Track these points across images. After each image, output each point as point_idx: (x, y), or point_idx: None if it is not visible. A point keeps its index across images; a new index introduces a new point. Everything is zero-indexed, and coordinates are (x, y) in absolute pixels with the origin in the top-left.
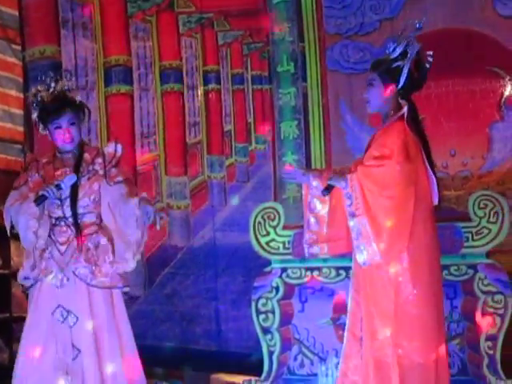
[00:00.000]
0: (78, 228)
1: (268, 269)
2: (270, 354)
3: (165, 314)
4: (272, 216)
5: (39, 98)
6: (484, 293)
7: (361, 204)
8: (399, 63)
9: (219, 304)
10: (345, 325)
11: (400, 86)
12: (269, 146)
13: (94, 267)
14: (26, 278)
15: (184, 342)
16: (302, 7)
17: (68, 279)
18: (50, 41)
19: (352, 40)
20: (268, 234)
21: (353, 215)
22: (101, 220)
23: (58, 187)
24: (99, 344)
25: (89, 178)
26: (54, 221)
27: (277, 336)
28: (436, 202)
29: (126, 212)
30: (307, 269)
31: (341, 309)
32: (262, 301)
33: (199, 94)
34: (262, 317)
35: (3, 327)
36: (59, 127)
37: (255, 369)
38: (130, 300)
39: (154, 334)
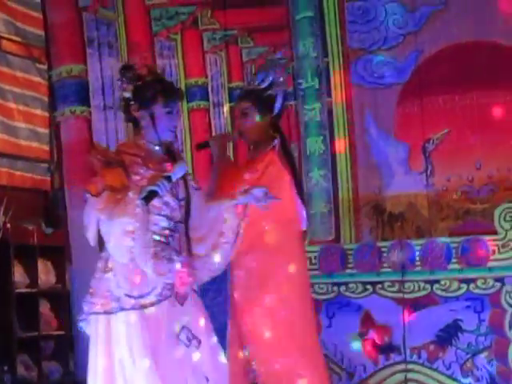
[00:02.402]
0: (188, 234)
1: None
2: None
3: None
4: None
5: (135, 73)
6: (511, 305)
7: None
8: (270, 92)
9: None
10: (373, 340)
11: (274, 113)
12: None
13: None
14: (142, 296)
15: None
16: (326, 22)
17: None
18: (76, 60)
19: (376, 54)
20: None
21: None
22: None
23: (169, 180)
24: None
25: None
26: (173, 224)
27: None
28: (304, 227)
29: (215, 215)
30: (334, 284)
31: (368, 323)
32: None
33: (225, 110)
34: None
35: (32, 346)
36: (171, 112)
37: None
38: None
39: None
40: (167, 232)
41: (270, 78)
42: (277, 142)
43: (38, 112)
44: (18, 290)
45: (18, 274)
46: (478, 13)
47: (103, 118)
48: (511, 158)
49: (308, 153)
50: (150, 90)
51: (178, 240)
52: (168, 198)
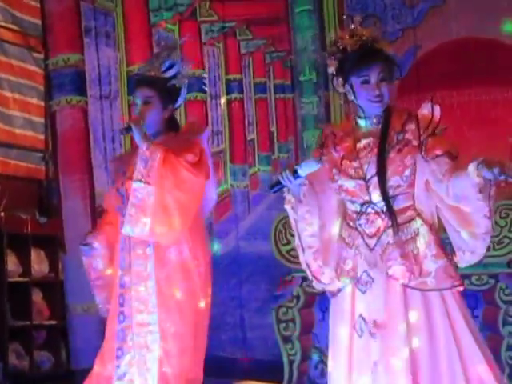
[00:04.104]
0: (394, 215)
1: (288, 278)
2: (291, 362)
3: None
4: None
5: (341, 46)
6: (505, 302)
7: (154, 177)
8: (175, 82)
9: (244, 312)
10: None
11: (177, 105)
12: (292, 154)
13: (413, 264)
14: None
15: (209, 349)
16: (324, 15)
17: (373, 281)
18: (73, 49)
19: None
20: (289, 242)
21: (141, 179)
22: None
23: (295, 174)
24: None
25: (399, 150)
26: (359, 207)
27: (297, 345)
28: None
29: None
30: None
31: None
32: (282, 310)
33: (222, 102)
34: (282, 326)
35: (23, 335)
36: (367, 81)
37: (279, 377)
38: None
39: None
40: (354, 216)
41: (176, 68)
42: (207, 133)
43: (34, 101)
44: (10, 279)
45: (11, 263)
46: (477, 10)
47: (99, 108)
48: (507, 154)
49: (305, 146)
50: (346, 62)
51: (382, 221)
52: (342, 181)
